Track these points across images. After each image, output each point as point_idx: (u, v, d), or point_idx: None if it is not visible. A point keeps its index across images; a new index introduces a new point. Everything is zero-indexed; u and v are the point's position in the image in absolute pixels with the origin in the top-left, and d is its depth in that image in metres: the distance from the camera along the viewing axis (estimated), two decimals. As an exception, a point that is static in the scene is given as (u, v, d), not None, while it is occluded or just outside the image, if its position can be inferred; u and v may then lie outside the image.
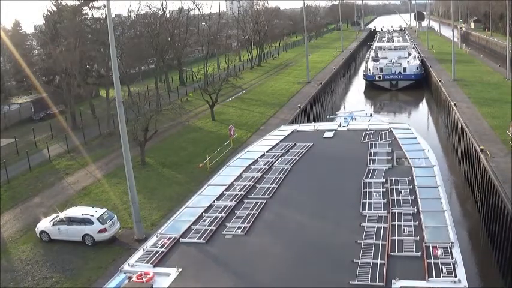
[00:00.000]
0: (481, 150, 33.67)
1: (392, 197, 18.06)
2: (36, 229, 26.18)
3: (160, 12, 76.45)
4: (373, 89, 77.06)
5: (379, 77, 75.12)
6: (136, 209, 25.21)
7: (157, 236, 16.20)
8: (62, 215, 25.83)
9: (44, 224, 25.97)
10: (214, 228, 16.54)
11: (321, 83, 67.96)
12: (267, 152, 25.14)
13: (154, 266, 14.29)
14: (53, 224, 25.53)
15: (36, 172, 37.16)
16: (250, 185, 20.37)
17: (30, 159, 37.96)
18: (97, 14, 57.32)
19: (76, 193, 32.44)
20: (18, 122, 54.61)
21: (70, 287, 21.52)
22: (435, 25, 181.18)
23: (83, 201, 30.41)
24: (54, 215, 26.31)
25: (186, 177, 33.75)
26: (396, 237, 14.99)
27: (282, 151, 25.06)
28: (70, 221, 25.44)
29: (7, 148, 43.62)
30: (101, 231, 24.88)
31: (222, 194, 19.54)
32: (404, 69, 74.99)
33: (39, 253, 24.63)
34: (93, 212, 25.70)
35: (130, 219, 26.63)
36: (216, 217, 17.38)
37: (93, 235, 24.86)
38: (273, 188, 20.00)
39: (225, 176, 22.02)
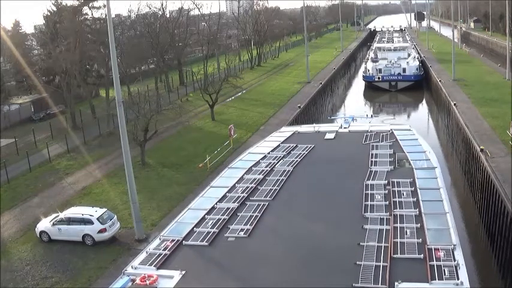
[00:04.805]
0: (481, 150, 33.69)
1: (394, 199, 18.04)
2: (36, 229, 26.15)
3: (160, 12, 76.57)
4: (372, 89, 76.98)
5: (379, 77, 74.98)
6: (136, 209, 25.21)
7: (160, 239, 16.18)
8: (62, 215, 25.83)
9: (44, 224, 25.94)
10: (217, 230, 16.51)
11: (321, 83, 67.95)
12: (269, 153, 25.06)
13: (158, 268, 14.28)
14: (53, 224, 25.51)
15: (36, 172, 37.11)
16: (252, 187, 20.33)
17: (30, 159, 37.90)
18: (97, 14, 57.29)
19: (76, 193, 32.41)
20: (18, 122, 54.45)
21: (70, 287, 21.51)
22: (435, 25, 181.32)
23: (83, 201, 30.37)
24: (54, 215, 26.29)
25: (186, 178, 33.71)
26: (398, 240, 14.99)
27: (284, 153, 25.00)
28: (70, 221, 25.44)
29: (7, 148, 43.54)
30: (101, 231, 24.87)
31: (224, 196, 19.50)
32: (404, 70, 74.83)
33: (39, 253, 24.61)
34: (93, 212, 25.69)
35: (130, 219, 26.60)
36: (219, 219, 17.34)
37: (93, 235, 24.84)
38: (275, 190, 19.96)
39: (227, 178, 21.96)
